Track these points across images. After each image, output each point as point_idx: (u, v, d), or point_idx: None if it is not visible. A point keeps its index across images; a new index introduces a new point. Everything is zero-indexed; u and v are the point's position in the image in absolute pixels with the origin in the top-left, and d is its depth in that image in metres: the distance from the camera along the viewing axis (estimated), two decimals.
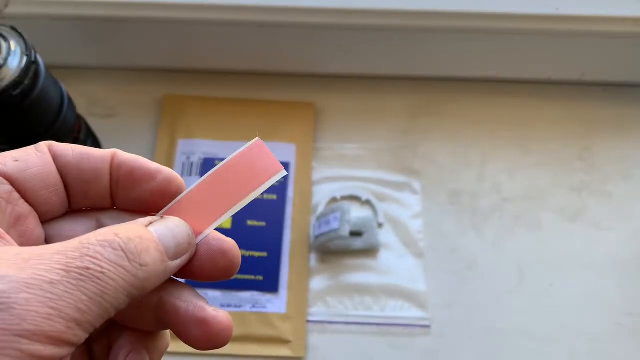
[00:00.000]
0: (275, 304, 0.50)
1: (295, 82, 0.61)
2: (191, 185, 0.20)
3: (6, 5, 0.43)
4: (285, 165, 0.56)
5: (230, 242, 0.20)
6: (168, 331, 0.20)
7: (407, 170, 0.57)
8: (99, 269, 0.15)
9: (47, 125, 0.45)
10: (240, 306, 0.50)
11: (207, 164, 0.55)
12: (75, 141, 0.50)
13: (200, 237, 0.19)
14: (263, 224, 0.53)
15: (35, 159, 0.18)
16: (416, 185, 0.56)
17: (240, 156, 0.19)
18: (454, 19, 0.53)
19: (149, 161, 0.20)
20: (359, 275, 0.52)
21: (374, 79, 0.61)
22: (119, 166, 0.19)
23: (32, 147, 0.19)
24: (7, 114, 0.41)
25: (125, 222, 0.18)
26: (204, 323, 0.18)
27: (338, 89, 0.61)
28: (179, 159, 0.56)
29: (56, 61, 0.49)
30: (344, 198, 0.55)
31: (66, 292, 0.14)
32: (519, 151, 0.58)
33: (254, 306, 0.50)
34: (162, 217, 0.19)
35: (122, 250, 0.15)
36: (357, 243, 0.52)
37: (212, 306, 0.18)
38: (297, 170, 0.56)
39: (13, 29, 0.41)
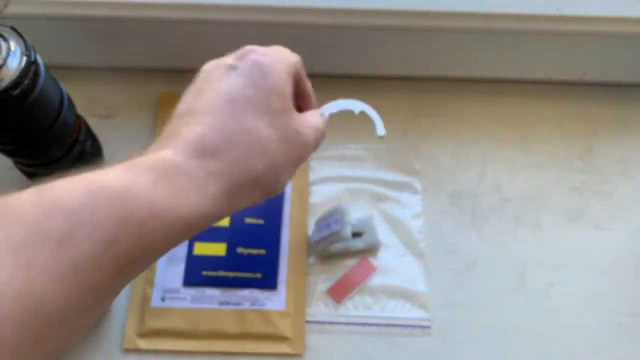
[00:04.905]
0: (274, 301, 0.50)
1: None
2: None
3: (6, 5, 0.43)
4: None
5: None
6: None
7: (407, 170, 0.57)
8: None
9: (47, 125, 0.45)
10: (239, 304, 0.50)
11: None
12: (75, 141, 0.50)
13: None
14: (261, 221, 0.53)
15: None
16: (416, 185, 0.56)
17: None
18: (454, 19, 0.53)
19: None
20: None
21: (373, 79, 0.61)
22: None
23: None
24: (6, 114, 0.41)
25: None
26: None
27: (338, 89, 0.61)
28: None
29: (56, 61, 0.49)
30: (343, 199, 0.55)
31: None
32: (519, 151, 0.58)
33: (252, 304, 0.50)
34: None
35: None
36: (358, 243, 0.52)
37: None
38: None
39: (13, 29, 0.41)
